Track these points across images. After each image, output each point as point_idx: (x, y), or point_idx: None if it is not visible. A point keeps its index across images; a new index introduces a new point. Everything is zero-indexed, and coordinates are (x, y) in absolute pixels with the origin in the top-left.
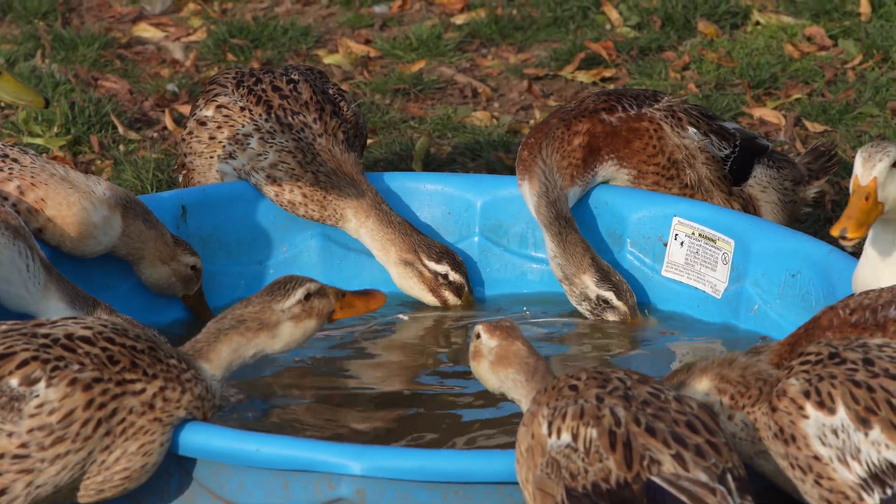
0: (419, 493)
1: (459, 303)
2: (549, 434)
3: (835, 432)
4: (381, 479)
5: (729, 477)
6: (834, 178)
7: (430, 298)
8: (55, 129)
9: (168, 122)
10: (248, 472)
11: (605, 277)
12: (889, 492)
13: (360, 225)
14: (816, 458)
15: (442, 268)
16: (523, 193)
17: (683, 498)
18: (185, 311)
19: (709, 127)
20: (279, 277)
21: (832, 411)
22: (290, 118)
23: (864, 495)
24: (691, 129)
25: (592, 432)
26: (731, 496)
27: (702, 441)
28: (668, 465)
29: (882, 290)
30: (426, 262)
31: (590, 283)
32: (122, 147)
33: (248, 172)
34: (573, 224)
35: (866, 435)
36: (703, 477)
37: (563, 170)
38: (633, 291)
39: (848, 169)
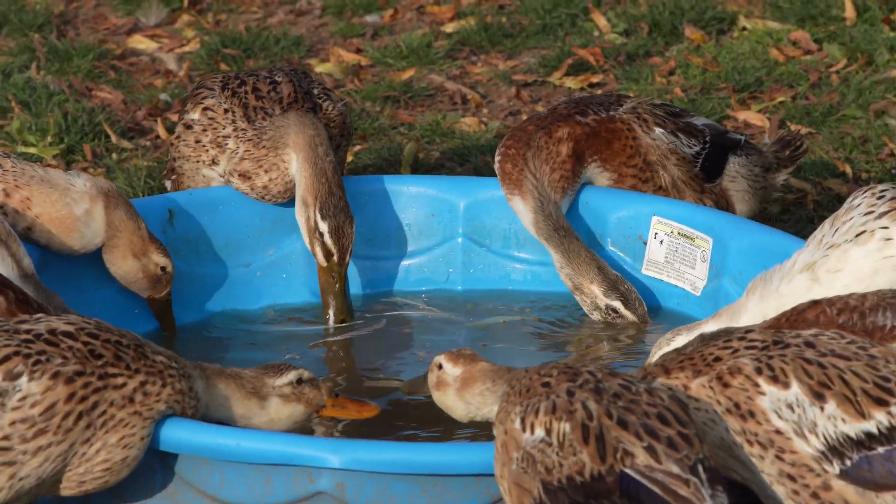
0: (397, 485)
1: (325, 265)
2: (524, 430)
3: (790, 406)
4: (360, 471)
5: (700, 468)
6: (817, 179)
7: (307, 243)
8: (48, 139)
9: (161, 130)
10: (230, 467)
11: (612, 287)
12: (848, 462)
13: (295, 160)
14: (778, 432)
15: (323, 225)
16: (515, 209)
17: (657, 490)
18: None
19: (675, 125)
20: (276, 361)
21: (786, 385)
22: (258, 115)
23: (827, 466)
24: (658, 130)
25: (566, 427)
26: (703, 487)
27: (673, 433)
28: (642, 458)
29: (867, 293)
30: (315, 212)
31: (598, 293)
32: (114, 156)
33: (228, 179)
34: (573, 232)
35: (822, 409)
36: (676, 469)
37: (555, 182)
38: (642, 299)
39: (830, 169)
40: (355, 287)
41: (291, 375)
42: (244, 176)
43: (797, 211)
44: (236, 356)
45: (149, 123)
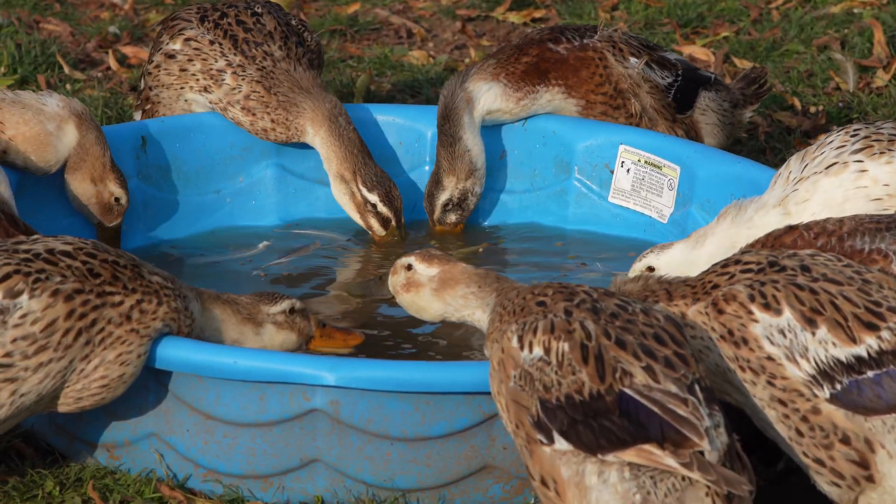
0: (391, 403)
1: (384, 234)
2: (521, 348)
3: (782, 332)
4: (354, 389)
5: (697, 387)
6: (767, 111)
7: (358, 219)
8: (2, 70)
9: (112, 62)
10: (225, 385)
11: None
12: (838, 386)
13: (314, 134)
14: (770, 358)
15: (372, 197)
16: None
17: (656, 409)
18: (142, 241)
19: (650, 56)
20: (269, 291)
21: (778, 312)
22: (253, 50)
23: (817, 391)
24: (633, 59)
25: (564, 346)
26: (701, 406)
27: (670, 353)
28: (640, 377)
29: (843, 217)
30: (360, 185)
31: (443, 194)
32: (68, 86)
33: (224, 107)
34: (473, 127)
35: (813, 334)
36: (674, 388)
37: (511, 74)
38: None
39: (778, 101)
40: (321, 212)
41: (285, 304)
42: (248, 111)
43: (749, 142)
44: (206, 281)
45: (99, 55)
